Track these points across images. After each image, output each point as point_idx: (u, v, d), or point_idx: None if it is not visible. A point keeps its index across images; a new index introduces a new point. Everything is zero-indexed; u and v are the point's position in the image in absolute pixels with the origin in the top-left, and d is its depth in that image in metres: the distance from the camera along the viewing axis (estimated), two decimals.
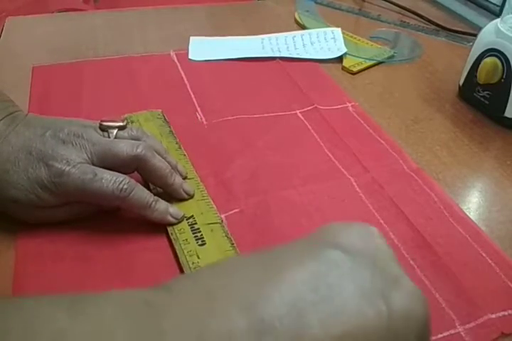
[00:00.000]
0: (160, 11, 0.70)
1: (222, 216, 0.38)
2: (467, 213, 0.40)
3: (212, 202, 0.38)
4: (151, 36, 0.64)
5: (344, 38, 0.65)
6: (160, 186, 0.38)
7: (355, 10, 0.76)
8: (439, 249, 0.36)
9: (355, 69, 0.59)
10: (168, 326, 0.20)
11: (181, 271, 0.33)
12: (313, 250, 0.25)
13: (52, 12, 0.72)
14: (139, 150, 0.36)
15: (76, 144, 0.36)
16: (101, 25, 0.66)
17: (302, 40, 0.64)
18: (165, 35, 0.65)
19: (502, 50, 0.48)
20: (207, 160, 0.43)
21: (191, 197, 0.39)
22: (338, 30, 0.66)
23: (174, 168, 0.39)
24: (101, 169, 0.35)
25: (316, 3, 0.77)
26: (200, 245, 0.34)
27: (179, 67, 0.57)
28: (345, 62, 0.60)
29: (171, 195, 0.38)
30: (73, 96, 0.51)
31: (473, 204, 0.41)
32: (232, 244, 0.35)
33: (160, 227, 0.36)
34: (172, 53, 0.60)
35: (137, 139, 0.39)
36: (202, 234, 0.35)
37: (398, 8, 0.77)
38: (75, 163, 0.34)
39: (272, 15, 0.73)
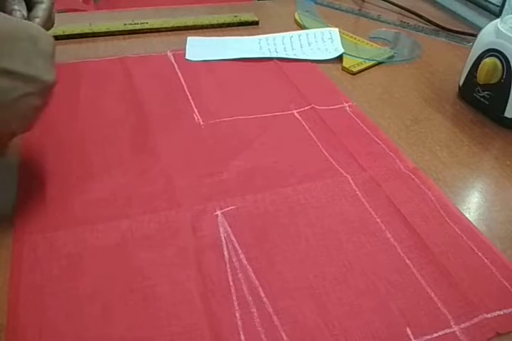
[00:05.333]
0: (160, 11, 0.70)
1: (219, 212, 0.38)
2: (467, 213, 0.40)
3: None
4: (150, 36, 0.65)
5: (344, 38, 0.65)
6: None
7: (355, 10, 0.76)
8: (435, 249, 0.36)
9: (355, 70, 0.59)
10: None
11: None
12: None
13: None
14: None
15: None
16: None
17: (299, 40, 0.64)
18: (164, 36, 0.65)
19: (502, 50, 0.48)
20: (204, 161, 0.43)
21: None
22: (335, 31, 0.66)
23: None
24: None
25: (316, 3, 0.77)
26: None
27: (176, 68, 0.57)
28: (345, 63, 0.60)
29: None
30: (71, 96, 0.51)
31: (473, 204, 0.41)
32: None
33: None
34: (169, 53, 0.60)
35: None
36: None
37: (398, 9, 0.77)
38: None
39: (272, 15, 0.73)
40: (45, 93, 0.36)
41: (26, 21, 0.37)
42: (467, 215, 0.39)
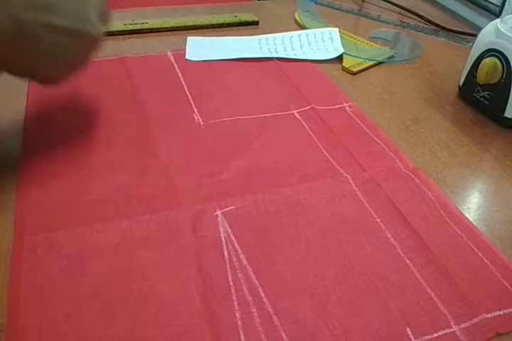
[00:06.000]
0: (160, 11, 0.71)
1: (219, 212, 0.38)
2: (467, 213, 0.40)
3: None
4: (150, 36, 0.65)
5: (344, 38, 0.65)
6: None
7: (355, 10, 0.76)
8: (435, 249, 0.36)
9: (355, 70, 0.59)
10: None
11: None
12: None
13: None
14: None
15: None
16: None
17: (299, 40, 0.64)
18: (164, 36, 0.65)
19: (502, 50, 0.48)
20: (204, 161, 0.43)
21: None
22: (335, 31, 0.66)
23: None
24: None
25: (316, 3, 0.77)
26: None
27: (176, 68, 0.57)
28: (345, 63, 0.60)
29: None
30: (71, 96, 0.51)
31: (473, 204, 0.41)
32: None
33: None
34: (169, 53, 0.60)
35: None
36: None
37: (398, 9, 0.77)
38: None
39: (272, 15, 0.73)
40: (91, 43, 0.41)
41: None
42: (467, 215, 0.39)
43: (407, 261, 0.35)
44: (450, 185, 0.42)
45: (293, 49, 0.62)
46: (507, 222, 0.39)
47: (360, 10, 0.76)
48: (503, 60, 0.48)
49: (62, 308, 0.31)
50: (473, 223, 0.38)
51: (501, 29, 0.48)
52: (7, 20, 0.35)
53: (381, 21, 0.73)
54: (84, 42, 0.41)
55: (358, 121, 0.49)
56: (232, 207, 0.39)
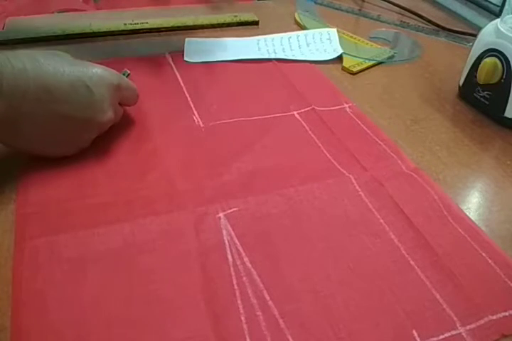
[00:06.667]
0: (160, 11, 0.70)
1: (221, 214, 0.38)
2: (467, 213, 0.39)
3: None
4: (150, 36, 0.64)
5: (344, 38, 0.65)
6: None
7: (355, 10, 0.76)
8: (439, 250, 0.36)
9: (355, 70, 0.59)
10: None
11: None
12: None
13: (52, 12, 0.71)
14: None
15: None
16: None
17: (298, 41, 0.64)
18: (164, 36, 0.65)
19: (502, 50, 0.48)
20: (205, 163, 0.43)
21: None
22: (334, 31, 0.65)
23: None
24: None
25: (316, 3, 0.77)
26: None
27: (175, 69, 0.57)
28: (345, 63, 0.60)
29: None
30: None
31: (473, 204, 0.41)
32: None
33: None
34: (168, 55, 0.60)
35: None
36: None
37: (398, 9, 0.77)
38: None
39: (272, 15, 0.72)
40: (100, 128, 0.43)
41: (84, 70, 0.41)
42: (467, 215, 0.39)
43: (411, 262, 0.35)
44: (450, 185, 0.42)
45: (291, 50, 0.62)
46: (507, 222, 0.39)
47: (360, 10, 0.76)
48: (503, 60, 0.48)
49: (64, 313, 0.31)
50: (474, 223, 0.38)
51: (501, 29, 0.48)
52: (8, 111, 0.36)
53: (381, 21, 0.73)
54: (93, 127, 0.42)
55: (359, 122, 0.49)
56: (235, 209, 0.38)
